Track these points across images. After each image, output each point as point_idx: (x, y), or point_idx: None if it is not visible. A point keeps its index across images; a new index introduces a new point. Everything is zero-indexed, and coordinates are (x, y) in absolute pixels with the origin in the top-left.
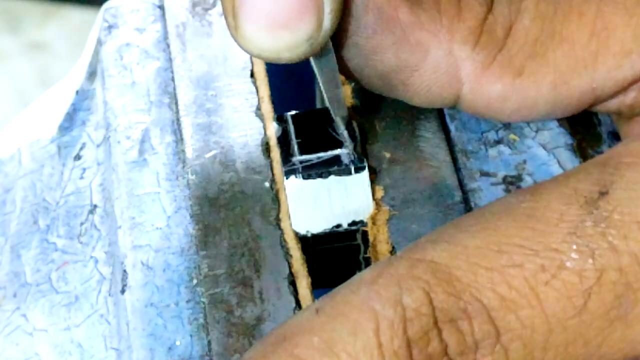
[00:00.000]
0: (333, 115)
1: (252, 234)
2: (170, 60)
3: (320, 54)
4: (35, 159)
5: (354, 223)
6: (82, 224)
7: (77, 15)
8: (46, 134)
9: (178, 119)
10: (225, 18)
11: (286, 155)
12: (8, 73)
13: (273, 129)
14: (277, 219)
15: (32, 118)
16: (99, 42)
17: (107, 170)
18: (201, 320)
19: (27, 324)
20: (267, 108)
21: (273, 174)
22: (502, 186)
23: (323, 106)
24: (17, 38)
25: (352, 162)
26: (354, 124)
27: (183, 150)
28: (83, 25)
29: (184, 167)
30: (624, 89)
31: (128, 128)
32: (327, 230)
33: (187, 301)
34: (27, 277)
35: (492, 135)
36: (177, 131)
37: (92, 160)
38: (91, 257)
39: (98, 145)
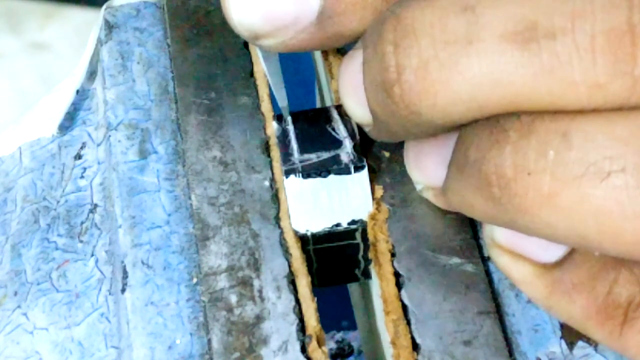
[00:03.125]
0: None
1: (251, 233)
2: (170, 60)
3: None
4: (36, 158)
5: (353, 222)
6: (82, 223)
7: (78, 15)
8: (47, 133)
9: (178, 119)
10: None
11: (286, 155)
12: (9, 73)
13: (273, 128)
14: (277, 218)
15: (33, 117)
16: (100, 42)
17: (108, 169)
18: (201, 319)
19: (27, 323)
20: (267, 107)
21: (273, 173)
22: None
23: (323, 106)
24: (19, 38)
25: (352, 161)
26: (353, 123)
27: (183, 150)
28: (84, 25)
29: (184, 166)
30: None
31: (128, 127)
32: (327, 229)
33: (187, 300)
34: (27, 276)
35: None
36: (177, 131)
37: (92, 159)
38: (92, 255)
39: (98, 145)
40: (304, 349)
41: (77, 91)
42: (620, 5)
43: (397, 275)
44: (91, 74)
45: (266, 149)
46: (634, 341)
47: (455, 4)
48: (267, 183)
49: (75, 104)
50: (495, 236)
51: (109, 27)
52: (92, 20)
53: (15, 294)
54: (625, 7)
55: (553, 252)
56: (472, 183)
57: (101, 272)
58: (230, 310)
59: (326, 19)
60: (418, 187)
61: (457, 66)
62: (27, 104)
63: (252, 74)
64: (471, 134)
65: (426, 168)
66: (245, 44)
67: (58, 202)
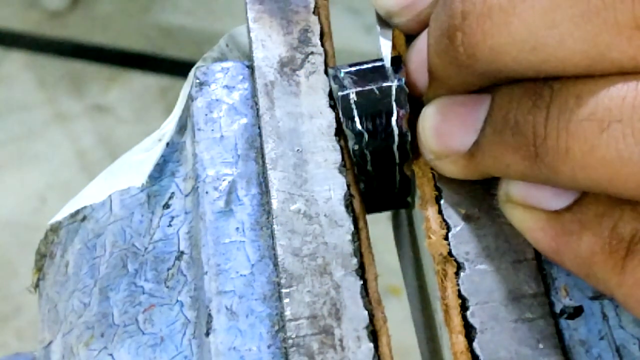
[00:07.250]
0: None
1: (333, 284)
2: (257, 116)
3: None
4: (126, 206)
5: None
6: (169, 269)
7: (140, 80)
8: (137, 183)
9: (264, 172)
10: None
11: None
12: (70, 134)
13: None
14: (358, 270)
15: (124, 168)
16: (190, 98)
17: (195, 218)
18: None
19: None
20: (350, 164)
21: (356, 228)
22: None
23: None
24: (81, 100)
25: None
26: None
27: (268, 202)
28: (144, 90)
29: (268, 218)
30: None
31: (216, 179)
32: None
33: (269, 346)
34: (114, 318)
35: None
36: (263, 184)
37: (180, 209)
38: (177, 301)
39: (186, 195)
40: None
41: (167, 144)
42: None
43: (467, 327)
44: (181, 128)
45: (349, 204)
46: (633, 274)
47: None
48: (349, 236)
49: (165, 155)
50: (511, 192)
51: (200, 84)
52: (152, 85)
53: (102, 335)
54: None
55: (564, 199)
56: (511, 143)
57: (186, 316)
58: (311, 356)
59: None
60: (430, 157)
61: (515, 9)
62: (86, 165)
63: (336, 133)
64: (510, 100)
65: (452, 135)
66: (331, 105)
67: (146, 248)
